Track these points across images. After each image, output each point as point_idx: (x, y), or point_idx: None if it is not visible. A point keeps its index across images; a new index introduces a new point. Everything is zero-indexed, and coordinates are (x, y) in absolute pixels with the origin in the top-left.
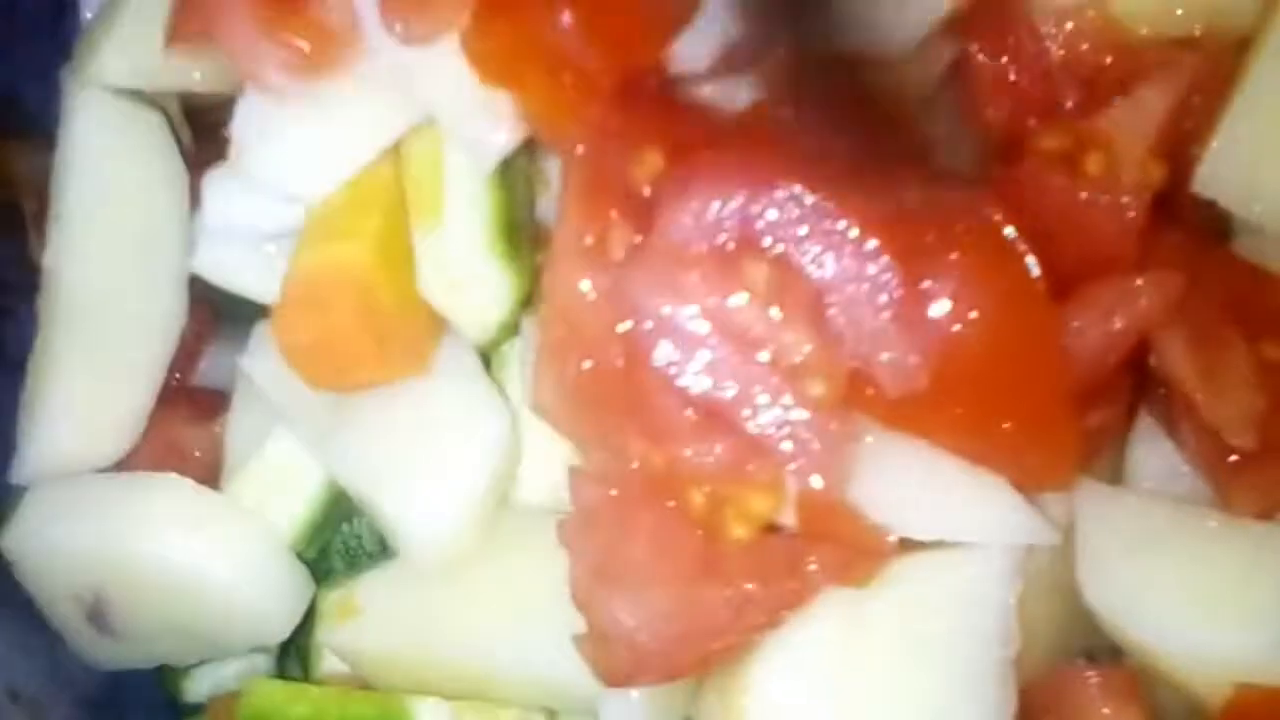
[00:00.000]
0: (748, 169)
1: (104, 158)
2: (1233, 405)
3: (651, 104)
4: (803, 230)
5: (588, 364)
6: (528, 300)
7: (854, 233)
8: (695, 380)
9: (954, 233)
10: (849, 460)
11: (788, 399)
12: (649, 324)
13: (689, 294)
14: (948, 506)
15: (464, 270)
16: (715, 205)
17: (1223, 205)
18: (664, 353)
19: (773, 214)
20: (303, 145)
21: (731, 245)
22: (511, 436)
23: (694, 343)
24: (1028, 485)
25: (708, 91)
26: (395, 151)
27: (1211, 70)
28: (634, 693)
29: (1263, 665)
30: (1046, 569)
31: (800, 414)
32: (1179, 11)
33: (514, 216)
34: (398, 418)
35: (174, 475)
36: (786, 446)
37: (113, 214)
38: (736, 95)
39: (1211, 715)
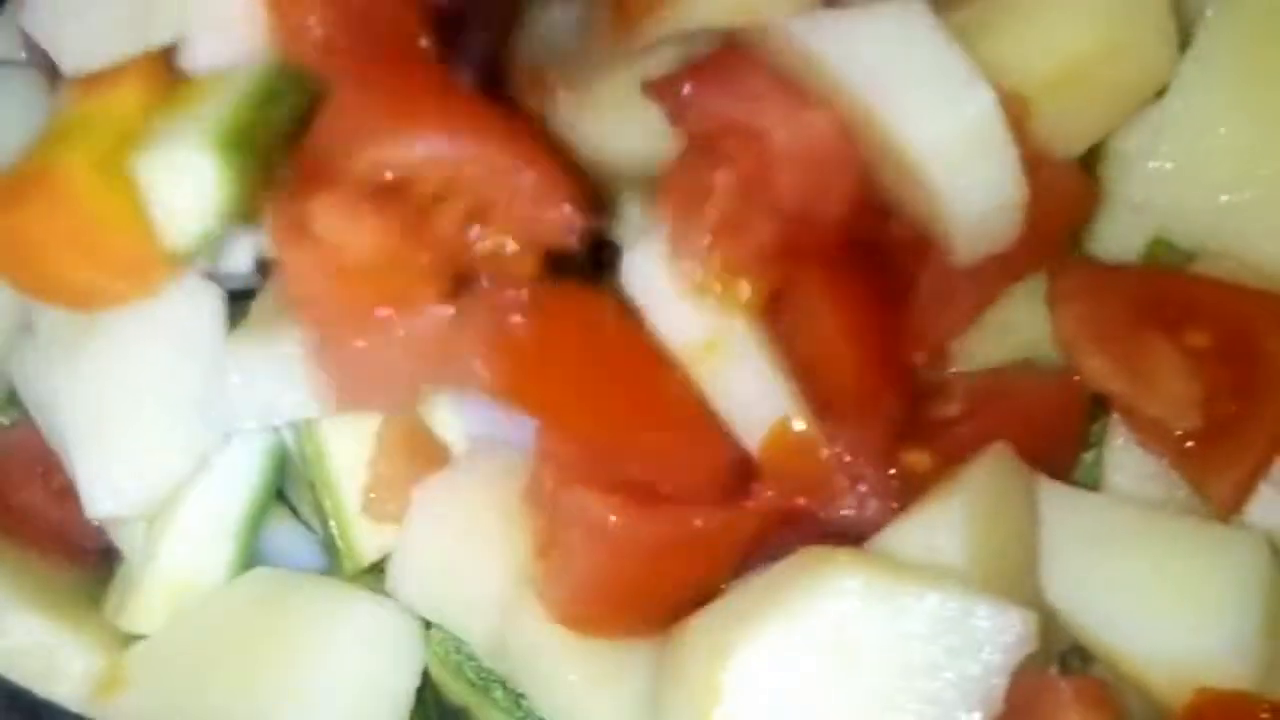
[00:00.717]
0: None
1: None
2: (1167, 395)
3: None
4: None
5: None
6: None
7: None
8: None
9: None
10: None
11: None
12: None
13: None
14: None
15: (180, 156)
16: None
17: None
18: None
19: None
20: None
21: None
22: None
23: None
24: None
25: None
26: (147, 76)
27: None
28: None
29: (1220, 668)
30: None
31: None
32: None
33: (256, 129)
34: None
35: None
36: None
37: None
38: None
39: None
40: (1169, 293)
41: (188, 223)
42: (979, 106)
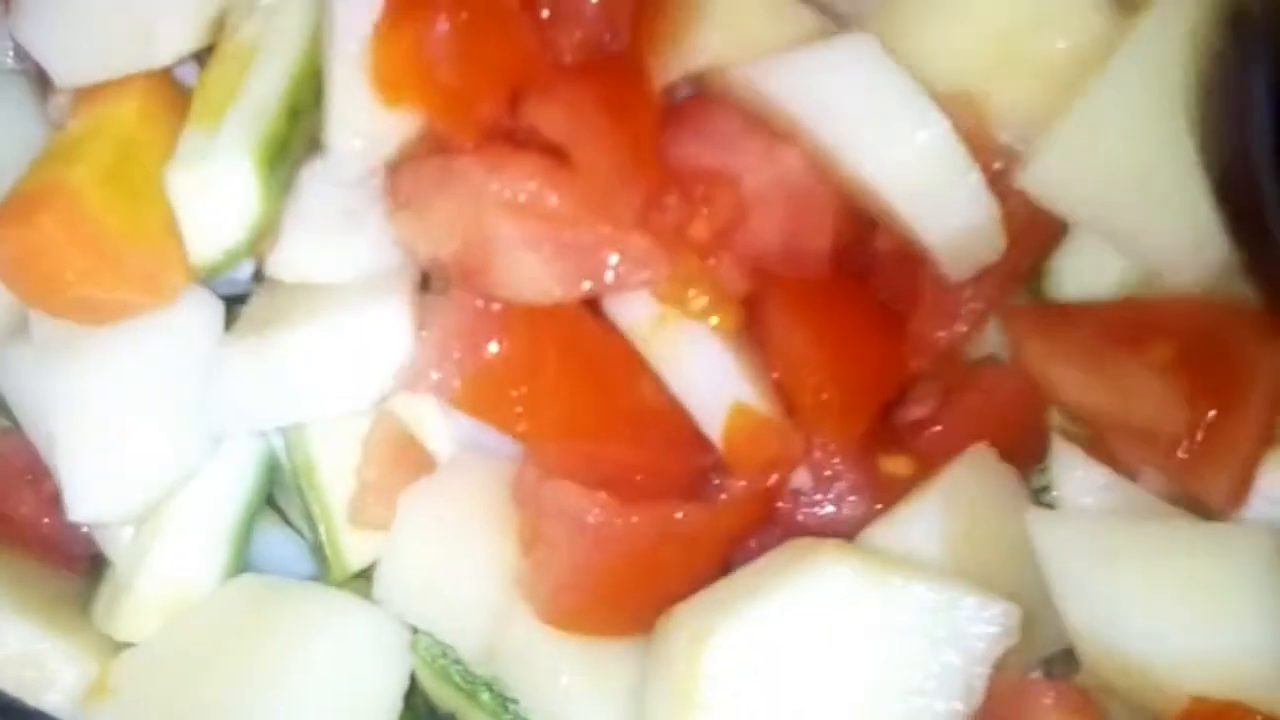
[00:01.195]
0: None
1: None
2: (1151, 406)
3: None
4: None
5: None
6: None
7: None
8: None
9: None
10: None
11: None
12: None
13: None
14: None
15: (217, 166)
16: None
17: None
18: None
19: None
20: (79, 25)
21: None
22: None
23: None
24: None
25: None
26: (144, 89)
27: None
28: None
29: (1238, 670)
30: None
31: None
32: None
33: (288, 148)
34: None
35: None
36: None
37: None
38: None
39: None
40: (1125, 316)
41: (220, 238)
42: (931, 132)
